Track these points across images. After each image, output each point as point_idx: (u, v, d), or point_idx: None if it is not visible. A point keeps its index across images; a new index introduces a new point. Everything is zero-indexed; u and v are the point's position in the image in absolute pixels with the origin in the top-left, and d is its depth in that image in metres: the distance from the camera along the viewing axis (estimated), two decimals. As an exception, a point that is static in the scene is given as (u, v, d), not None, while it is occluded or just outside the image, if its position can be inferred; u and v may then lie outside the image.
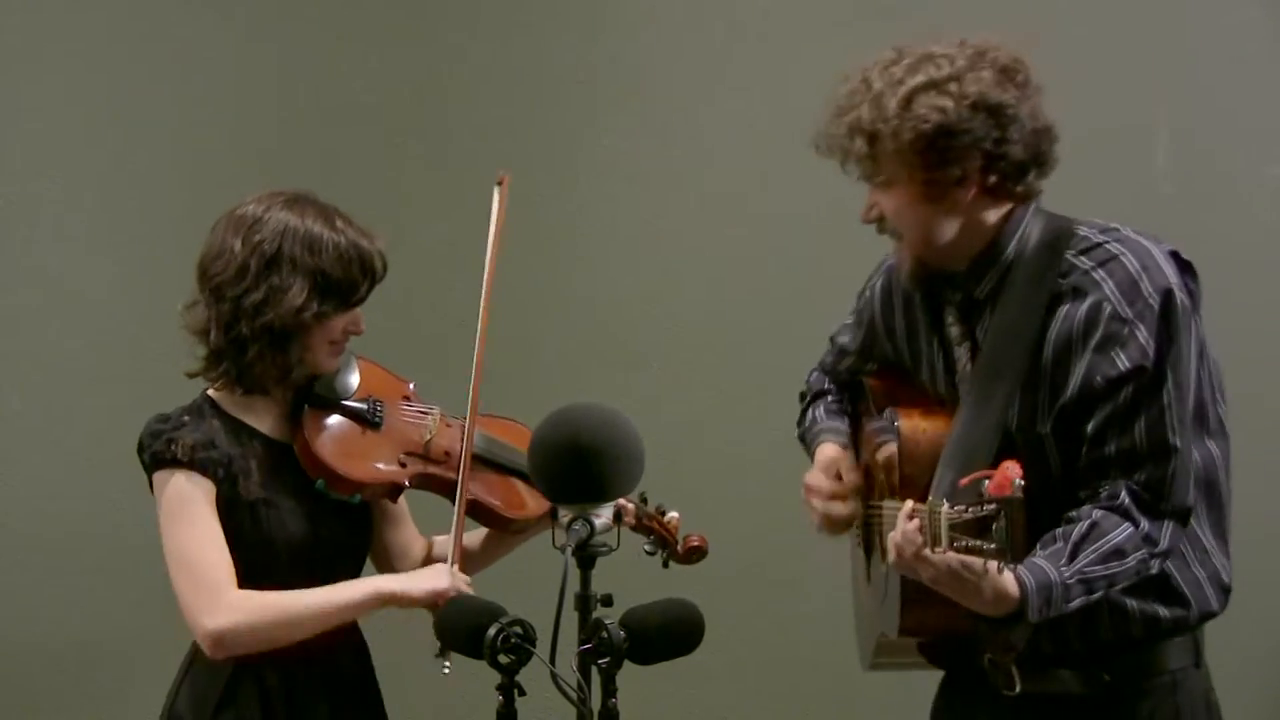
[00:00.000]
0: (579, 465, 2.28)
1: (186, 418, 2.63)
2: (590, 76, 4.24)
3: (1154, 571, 2.41)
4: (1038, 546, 2.36)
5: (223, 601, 2.53)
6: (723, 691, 4.09)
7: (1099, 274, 2.43)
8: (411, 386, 2.83)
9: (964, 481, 2.22)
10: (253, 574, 2.58)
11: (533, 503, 2.78)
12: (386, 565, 2.85)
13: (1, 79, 4.15)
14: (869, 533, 2.70)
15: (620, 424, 2.33)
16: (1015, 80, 2.47)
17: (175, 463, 2.57)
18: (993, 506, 2.13)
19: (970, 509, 2.16)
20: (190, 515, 2.56)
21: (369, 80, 4.21)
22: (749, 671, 4.08)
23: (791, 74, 4.13)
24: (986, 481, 2.16)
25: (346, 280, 2.62)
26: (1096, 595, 2.36)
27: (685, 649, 2.34)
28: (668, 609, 2.35)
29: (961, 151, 2.41)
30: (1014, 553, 2.13)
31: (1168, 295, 2.39)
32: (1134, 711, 2.48)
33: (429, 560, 2.86)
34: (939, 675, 2.71)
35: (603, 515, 2.30)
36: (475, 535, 2.86)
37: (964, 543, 2.17)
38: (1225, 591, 2.51)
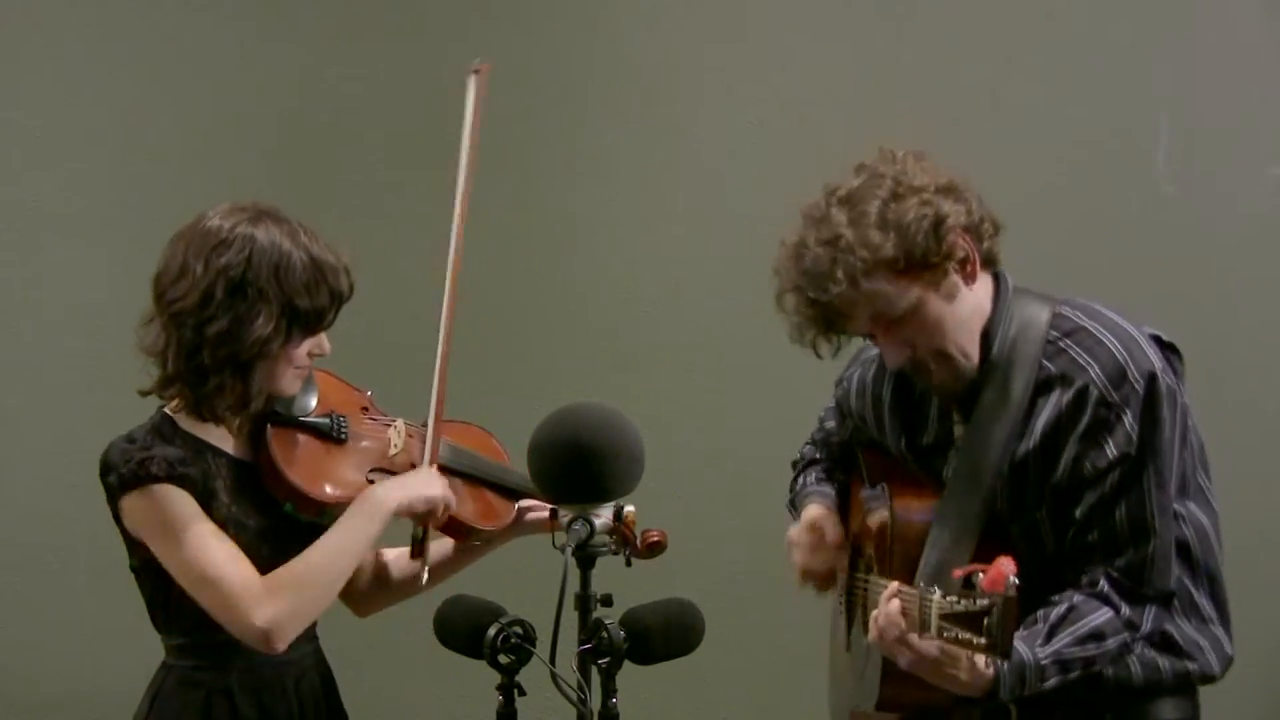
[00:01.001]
0: (579, 465, 2.28)
1: (151, 438, 2.50)
2: (590, 76, 4.24)
3: (1137, 653, 2.43)
4: (1021, 627, 2.35)
5: (259, 594, 2.42)
6: (723, 691, 4.08)
7: (1084, 359, 2.42)
8: (369, 394, 2.72)
9: (958, 573, 2.21)
10: None
11: (499, 512, 2.72)
12: None
13: (1, 78, 4.15)
14: (851, 602, 2.71)
15: (620, 424, 2.33)
16: (927, 165, 2.47)
17: (151, 479, 2.44)
18: (985, 602, 2.12)
19: (963, 601, 2.16)
20: (184, 526, 2.43)
21: (368, 80, 4.20)
22: (749, 671, 4.08)
23: (792, 73, 4.13)
24: (981, 575, 2.16)
25: (314, 306, 2.49)
26: (1073, 676, 2.37)
27: (685, 649, 2.35)
28: (668, 609, 2.35)
29: (956, 235, 2.41)
30: (1004, 649, 2.13)
31: (1151, 380, 2.39)
32: None
33: (377, 572, 2.77)
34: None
35: (603, 515, 2.30)
36: (438, 547, 2.75)
37: (954, 633, 2.17)
38: (1226, 660, 2.51)
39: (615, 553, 2.63)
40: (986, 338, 2.47)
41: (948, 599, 2.18)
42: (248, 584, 2.42)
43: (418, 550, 2.61)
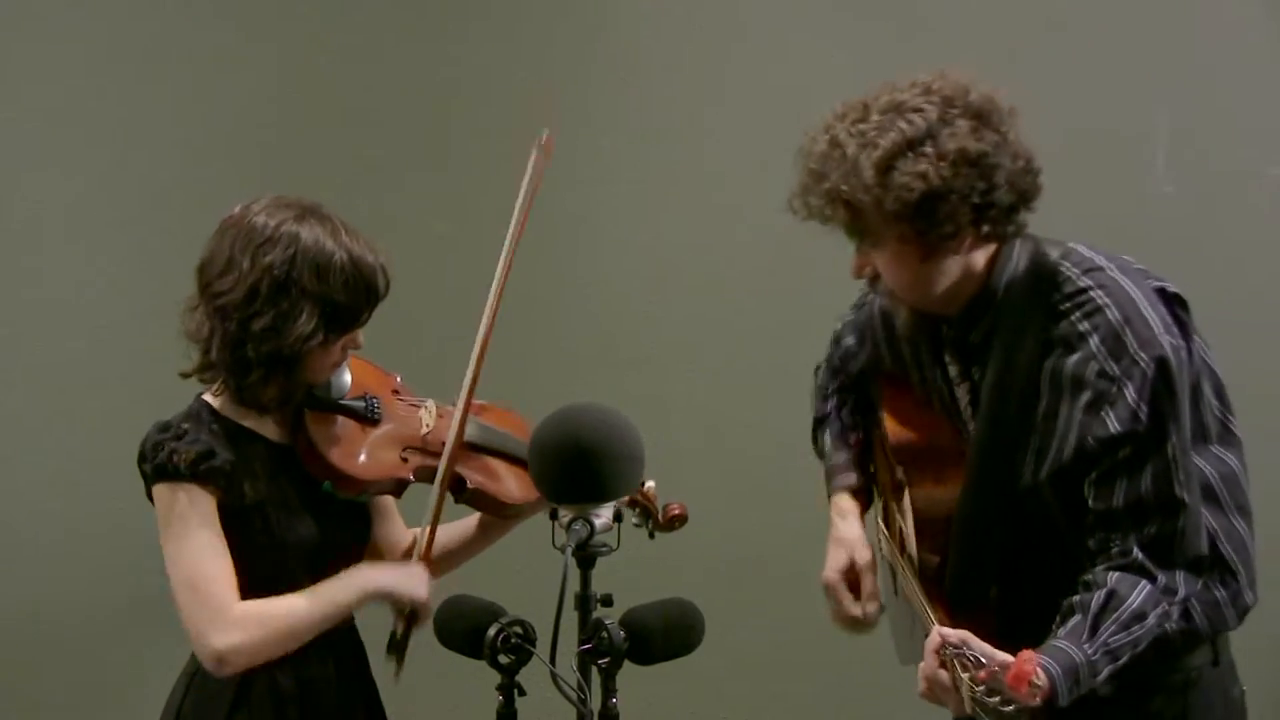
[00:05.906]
0: (579, 465, 2.28)
1: (186, 425, 2.57)
2: (590, 76, 4.25)
3: (1176, 617, 2.38)
4: (1058, 618, 2.34)
5: (227, 619, 2.49)
6: (723, 691, 4.08)
7: (1084, 325, 2.39)
8: (399, 379, 2.82)
9: (983, 675, 2.13)
10: (263, 578, 2.55)
11: (529, 488, 2.74)
12: (376, 560, 2.80)
13: (1, 79, 4.15)
14: (888, 545, 2.70)
15: (620, 424, 2.33)
16: (991, 124, 2.37)
17: (177, 475, 2.52)
18: (1011, 708, 2.08)
19: (992, 697, 2.11)
20: (189, 531, 2.51)
21: (369, 80, 4.20)
22: (749, 671, 4.08)
23: (792, 72, 4.13)
24: (1004, 672, 2.12)
25: (352, 306, 2.58)
26: (1123, 660, 2.33)
27: (685, 649, 2.35)
28: (668, 609, 2.35)
29: (950, 211, 2.34)
30: None
31: (1161, 364, 2.34)
32: (1145, 706, 2.46)
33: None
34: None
35: (603, 515, 2.30)
36: (469, 522, 2.86)
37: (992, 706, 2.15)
38: (1242, 612, 2.49)
39: (639, 525, 2.65)
40: (983, 291, 2.44)
41: (979, 690, 2.12)
42: (223, 607, 2.50)
43: (396, 649, 2.65)
